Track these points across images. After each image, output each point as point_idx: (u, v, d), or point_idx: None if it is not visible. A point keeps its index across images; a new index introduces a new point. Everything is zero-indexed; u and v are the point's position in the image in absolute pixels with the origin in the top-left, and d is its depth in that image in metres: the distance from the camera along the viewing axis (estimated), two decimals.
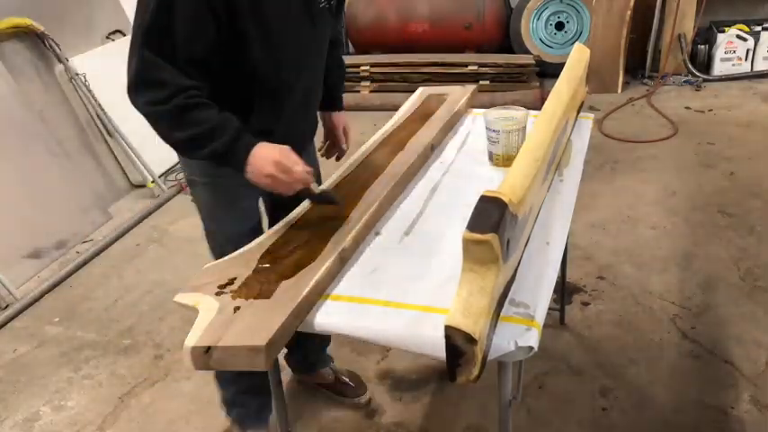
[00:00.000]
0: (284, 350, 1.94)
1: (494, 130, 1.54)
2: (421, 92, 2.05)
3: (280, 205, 1.47)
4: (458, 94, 1.98)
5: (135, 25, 1.20)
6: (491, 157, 1.59)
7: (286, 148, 1.24)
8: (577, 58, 1.65)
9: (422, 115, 1.85)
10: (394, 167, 1.53)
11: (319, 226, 1.32)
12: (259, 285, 1.14)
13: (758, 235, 2.62)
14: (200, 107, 1.21)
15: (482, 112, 1.93)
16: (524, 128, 1.55)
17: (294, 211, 1.40)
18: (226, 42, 1.23)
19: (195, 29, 1.18)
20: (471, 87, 2.02)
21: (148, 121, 1.22)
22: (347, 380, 2.01)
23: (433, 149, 1.70)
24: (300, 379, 2.07)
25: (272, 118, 1.42)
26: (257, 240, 1.30)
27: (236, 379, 1.76)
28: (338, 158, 1.81)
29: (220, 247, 1.54)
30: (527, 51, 4.73)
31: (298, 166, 1.24)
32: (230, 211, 1.54)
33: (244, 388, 1.78)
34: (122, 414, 2.05)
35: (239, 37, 1.23)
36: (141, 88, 1.20)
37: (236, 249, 1.29)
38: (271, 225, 1.60)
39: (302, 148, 1.53)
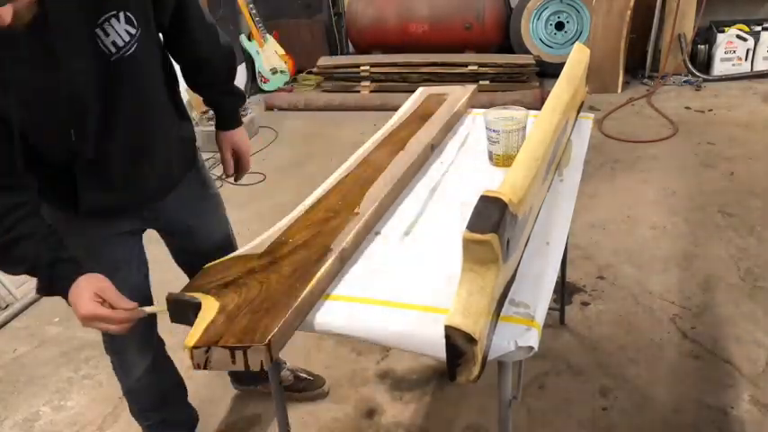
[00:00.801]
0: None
1: (494, 130, 1.54)
2: (421, 92, 2.05)
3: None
4: (458, 93, 1.97)
5: None
6: (491, 156, 1.59)
7: (88, 309, 1.12)
8: (577, 58, 1.65)
9: (422, 115, 1.85)
10: (394, 167, 1.53)
11: (319, 226, 1.32)
12: (259, 285, 1.14)
13: (758, 235, 2.62)
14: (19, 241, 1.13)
15: (482, 112, 1.93)
16: (524, 128, 1.55)
17: (295, 210, 1.40)
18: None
19: None
20: (471, 87, 2.02)
21: None
22: (305, 375, 2.02)
23: (433, 149, 1.70)
24: (258, 390, 2.01)
25: (101, 188, 1.31)
26: (257, 240, 1.30)
27: (155, 412, 1.76)
28: (235, 180, 1.70)
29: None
30: (527, 51, 4.73)
31: (109, 323, 1.14)
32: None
33: (159, 420, 1.77)
34: (122, 414, 2.05)
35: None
36: None
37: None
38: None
39: (160, 198, 1.44)
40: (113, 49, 1.17)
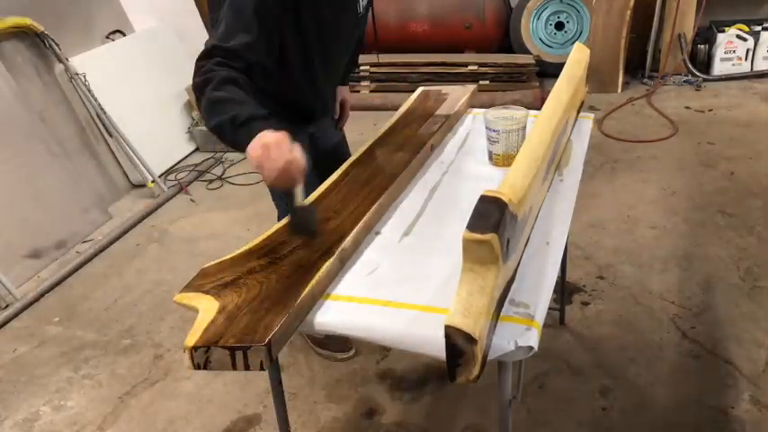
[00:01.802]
0: None
1: (494, 130, 1.54)
2: (421, 92, 2.05)
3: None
4: (458, 93, 1.98)
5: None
6: (491, 156, 1.59)
7: (283, 135, 1.23)
8: (577, 58, 1.65)
9: (422, 115, 1.85)
10: (394, 167, 1.53)
11: (319, 226, 1.32)
12: (259, 285, 1.14)
13: (758, 235, 2.62)
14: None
15: (482, 112, 1.93)
16: (524, 127, 1.55)
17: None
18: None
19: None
20: (471, 87, 2.02)
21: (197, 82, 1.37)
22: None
23: (432, 149, 1.70)
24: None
25: (315, 105, 1.80)
26: (257, 240, 1.30)
27: None
28: (336, 126, 2.11)
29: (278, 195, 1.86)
30: (527, 51, 4.73)
31: (286, 154, 1.21)
32: None
33: None
34: (122, 414, 2.05)
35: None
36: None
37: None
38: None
39: (326, 112, 1.94)
40: (361, 9, 1.68)
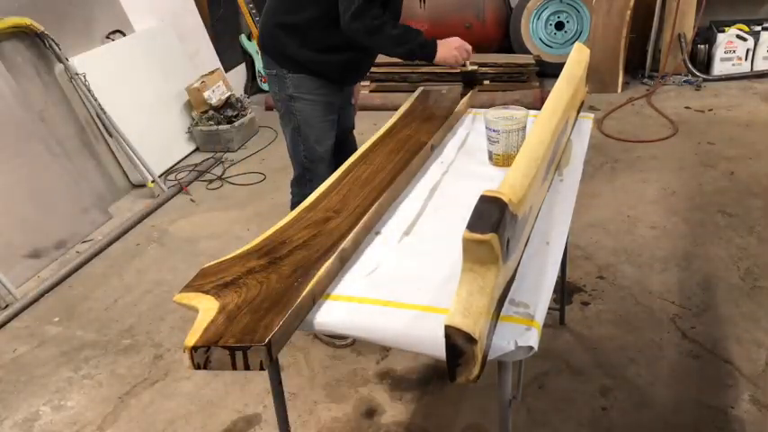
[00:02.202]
0: None
1: (494, 130, 1.54)
2: (421, 91, 2.05)
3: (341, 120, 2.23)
4: (458, 93, 1.98)
5: None
6: (491, 156, 1.59)
7: (458, 39, 1.96)
8: (577, 58, 1.65)
9: (422, 115, 1.85)
10: (394, 167, 1.53)
11: (319, 226, 1.32)
12: (259, 285, 1.14)
13: (758, 235, 2.62)
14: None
15: (482, 112, 1.93)
16: (524, 127, 1.55)
17: (295, 210, 1.40)
18: None
19: None
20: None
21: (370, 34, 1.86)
22: None
23: (432, 149, 1.70)
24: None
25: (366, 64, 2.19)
26: (257, 240, 1.30)
27: None
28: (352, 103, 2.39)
29: (308, 147, 2.11)
30: (527, 51, 4.73)
31: (466, 47, 1.96)
32: (325, 120, 2.10)
33: None
34: (122, 414, 2.05)
35: None
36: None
37: (322, 147, 2.10)
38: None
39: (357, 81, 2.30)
40: None
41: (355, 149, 2.27)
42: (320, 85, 2.03)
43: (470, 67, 2.01)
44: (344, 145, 2.31)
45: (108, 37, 3.77)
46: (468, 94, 1.98)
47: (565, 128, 1.51)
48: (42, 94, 3.29)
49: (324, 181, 1.92)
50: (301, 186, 2.20)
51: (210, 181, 3.72)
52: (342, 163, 2.05)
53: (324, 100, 2.06)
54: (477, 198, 0.95)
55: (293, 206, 2.20)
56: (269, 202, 3.35)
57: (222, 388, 2.10)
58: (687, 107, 4.05)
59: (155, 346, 2.34)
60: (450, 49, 1.91)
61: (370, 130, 1.99)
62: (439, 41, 1.91)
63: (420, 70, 4.57)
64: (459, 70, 2.04)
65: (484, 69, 4.48)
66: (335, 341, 2.20)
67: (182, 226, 3.23)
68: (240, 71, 5.03)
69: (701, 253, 2.54)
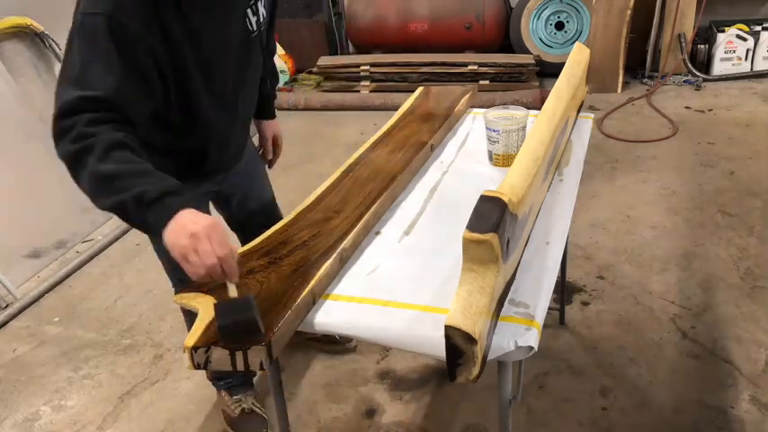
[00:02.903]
0: None
1: (494, 130, 1.54)
2: (421, 91, 2.04)
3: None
4: (458, 93, 1.98)
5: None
6: (491, 156, 1.59)
7: (214, 221, 1.04)
8: (577, 58, 1.65)
9: (422, 115, 1.85)
10: (394, 167, 1.53)
11: (319, 226, 1.32)
12: (259, 285, 1.14)
13: (758, 235, 2.62)
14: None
15: (482, 112, 1.93)
16: (524, 127, 1.55)
17: (294, 210, 1.40)
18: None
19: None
20: (471, 87, 2.02)
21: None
22: None
23: (432, 149, 1.70)
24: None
25: (219, 150, 1.49)
26: (257, 240, 1.30)
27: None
28: (269, 166, 1.89)
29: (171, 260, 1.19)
30: (527, 51, 4.73)
31: (218, 249, 1.00)
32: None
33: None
34: (122, 414, 2.05)
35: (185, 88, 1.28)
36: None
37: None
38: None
39: (236, 162, 1.63)
40: (254, 27, 1.40)
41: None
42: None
43: (230, 292, 1.05)
44: (255, 225, 1.55)
45: None
46: (469, 94, 1.97)
47: (565, 128, 1.51)
48: (42, 94, 3.28)
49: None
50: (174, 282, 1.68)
51: None
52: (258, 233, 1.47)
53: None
54: (478, 198, 0.96)
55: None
56: None
57: None
58: (687, 107, 4.05)
59: (155, 346, 2.34)
60: (181, 234, 1.01)
61: (370, 130, 1.99)
62: (177, 217, 1.03)
63: (420, 70, 4.57)
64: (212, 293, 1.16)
65: (484, 69, 4.49)
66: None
67: None
68: None
69: (700, 253, 2.54)
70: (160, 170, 1.14)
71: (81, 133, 1.07)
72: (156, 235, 1.04)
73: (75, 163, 1.09)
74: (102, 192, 1.07)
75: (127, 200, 1.04)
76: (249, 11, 1.37)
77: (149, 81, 1.19)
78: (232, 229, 1.77)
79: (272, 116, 1.84)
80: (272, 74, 1.79)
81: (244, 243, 1.39)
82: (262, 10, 1.42)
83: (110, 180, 1.05)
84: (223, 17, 1.30)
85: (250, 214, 1.75)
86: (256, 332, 0.98)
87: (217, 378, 1.94)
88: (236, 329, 0.97)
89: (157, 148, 1.29)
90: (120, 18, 1.11)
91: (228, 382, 1.93)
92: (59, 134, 1.11)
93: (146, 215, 1.04)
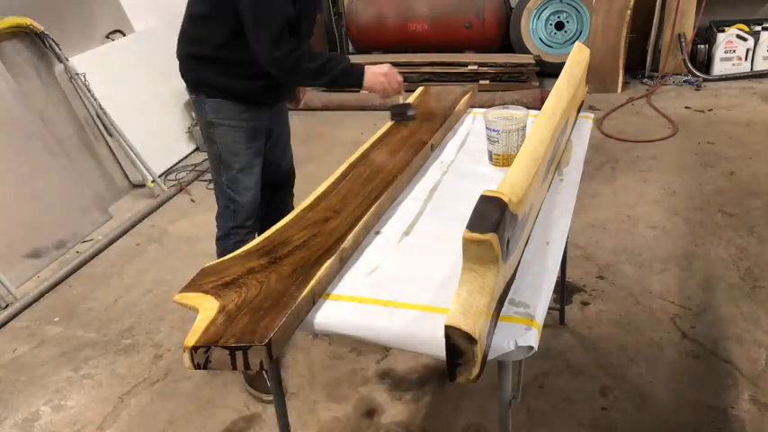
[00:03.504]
0: None
1: (494, 130, 1.54)
2: (421, 91, 2.05)
3: (270, 148, 2.06)
4: (458, 93, 1.98)
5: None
6: (491, 156, 1.59)
7: (388, 66, 1.82)
8: (577, 58, 1.65)
9: (422, 114, 1.85)
10: (394, 167, 1.53)
11: (319, 226, 1.32)
12: (259, 285, 1.14)
13: (758, 235, 2.62)
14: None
15: (482, 112, 1.93)
16: (524, 127, 1.55)
17: (294, 210, 1.40)
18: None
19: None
20: (471, 87, 2.02)
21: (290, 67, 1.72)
22: None
23: (432, 149, 1.70)
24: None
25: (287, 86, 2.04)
26: (257, 239, 1.30)
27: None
28: (296, 106, 2.26)
29: (231, 177, 1.95)
30: (527, 51, 4.73)
31: (397, 78, 1.83)
32: (249, 147, 1.93)
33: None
34: (122, 414, 2.05)
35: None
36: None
37: (247, 177, 1.93)
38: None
39: (286, 97, 2.11)
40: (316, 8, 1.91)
41: (290, 186, 2.27)
42: (241, 109, 1.88)
43: (400, 100, 1.84)
44: (280, 177, 2.19)
45: (108, 37, 3.77)
46: (469, 93, 1.97)
47: (565, 128, 1.51)
48: (42, 94, 3.28)
49: (250, 214, 1.93)
50: (226, 220, 2.03)
51: (210, 181, 3.72)
52: (277, 195, 2.11)
53: (247, 125, 1.91)
54: (477, 198, 0.95)
55: (218, 240, 2.08)
56: None
57: (222, 388, 2.10)
58: (687, 107, 4.05)
59: (155, 346, 2.34)
60: (378, 75, 1.78)
61: (370, 129, 1.99)
62: (367, 68, 1.78)
63: (420, 70, 4.57)
64: (388, 103, 1.88)
65: (484, 69, 4.49)
66: (263, 396, 2.02)
67: (182, 226, 3.23)
68: None
69: (701, 253, 2.54)
70: (244, 93, 1.86)
71: (292, 48, 1.68)
72: (357, 85, 1.79)
73: (292, 68, 1.70)
74: (321, 74, 1.74)
75: (337, 73, 1.75)
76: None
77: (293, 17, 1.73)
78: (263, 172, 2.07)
79: None
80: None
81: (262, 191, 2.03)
82: None
83: (322, 68, 1.73)
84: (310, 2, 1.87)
85: (276, 155, 2.11)
86: (412, 117, 1.81)
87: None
88: (400, 117, 1.81)
89: (246, 73, 1.81)
90: None
91: (250, 374, 2.05)
92: (281, 57, 1.68)
93: (350, 78, 1.78)
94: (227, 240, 2.04)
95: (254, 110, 1.90)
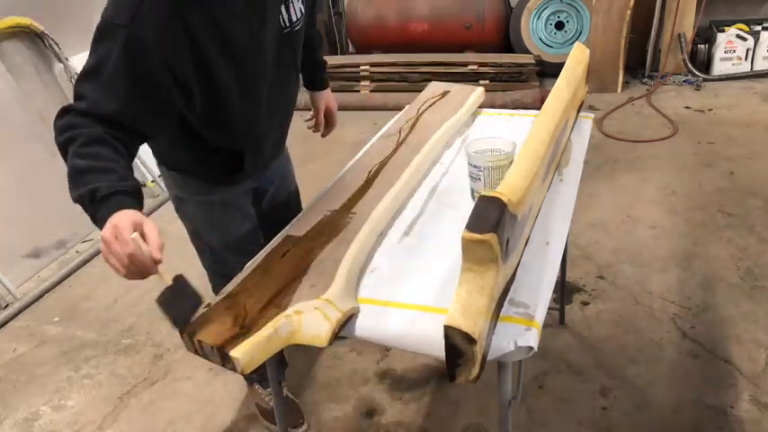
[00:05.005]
0: None
1: (475, 166, 1.34)
2: (427, 89, 2.01)
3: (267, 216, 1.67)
4: (465, 93, 1.93)
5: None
6: (473, 194, 1.41)
7: (137, 217, 1.04)
8: (577, 58, 1.65)
9: (426, 114, 1.83)
10: (395, 167, 1.52)
11: (319, 226, 1.31)
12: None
13: (758, 235, 2.62)
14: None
15: (485, 111, 1.93)
16: (512, 162, 1.38)
17: (298, 214, 1.39)
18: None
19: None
20: (479, 89, 1.95)
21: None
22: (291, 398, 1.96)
23: (436, 149, 1.68)
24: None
25: (256, 153, 1.48)
26: (262, 251, 1.29)
27: None
28: (323, 135, 1.88)
29: (219, 256, 1.61)
30: (527, 51, 4.73)
31: (127, 246, 0.99)
32: (232, 221, 1.59)
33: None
34: (122, 414, 2.05)
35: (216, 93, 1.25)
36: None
37: (237, 254, 1.45)
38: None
39: (275, 159, 1.65)
40: (286, 23, 1.34)
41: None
42: (208, 187, 1.52)
43: (166, 280, 1.12)
44: (279, 219, 1.49)
45: None
46: (475, 98, 1.90)
47: (565, 128, 1.51)
48: (42, 94, 3.28)
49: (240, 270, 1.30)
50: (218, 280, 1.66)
51: None
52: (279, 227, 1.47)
53: (221, 200, 1.55)
54: (477, 198, 0.95)
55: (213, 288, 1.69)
56: None
57: (222, 388, 2.10)
58: (687, 107, 4.05)
59: (155, 346, 2.34)
60: (108, 230, 1.00)
61: (370, 129, 1.99)
62: (114, 217, 1.02)
63: (420, 70, 4.57)
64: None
65: (484, 69, 4.48)
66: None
67: (181, 226, 3.22)
68: None
69: (701, 253, 2.54)
70: (202, 171, 1.41)
71: (68, 124, 1.10)
72: (98, 225, 1.05)
73: (63, 155, 1.11)
74: (71, 184, 1.08)
75: (84, 194, 1.05)
76: (282, 7, 1.31)
77: (160, 99, 1.15)
78: (259, 222, 1.70)
79: (324, 86, 1.79)
80: (319, 41, 1.74)
81: (266, 236, 1.54)
82: (299, 5, 1.36)
83: (78, 174, 1.07)
84: (253, 15, 1.23)
85: (277, 207, 1.74)
86: (199, 303, 1.09)
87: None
88: (185, 315, 1.06)
89: (194, 151, 1.38)
90: (137, 32, 1.08)
91: (261, 374, 1.86)
92: (54, 124, 1.13)
93: (96, 211, 1.05)
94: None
95: (224, 185, 1.52)
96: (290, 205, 1.77)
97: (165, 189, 3.55)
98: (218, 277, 1.65)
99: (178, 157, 1.45)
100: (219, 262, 1.62)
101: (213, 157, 1.41)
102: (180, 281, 1.08)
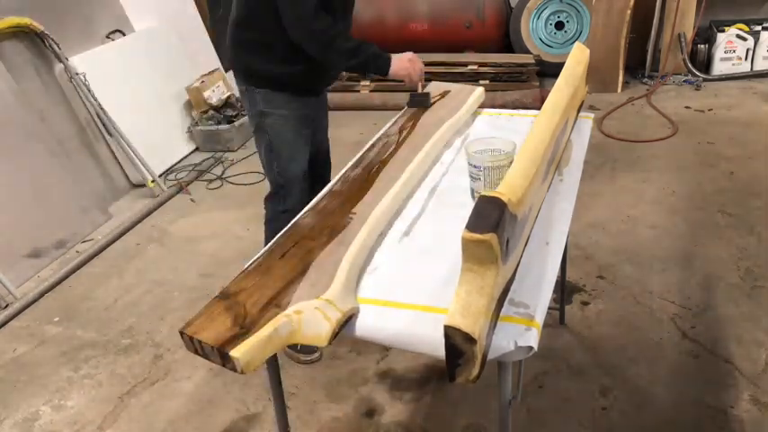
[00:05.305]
0: None
1: (475, 166, 1.36)
2: (433, 87, 2.02)
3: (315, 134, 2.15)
4: (465, 93, 1.94)
5: None
6: (473, 194, 1.41)
7: (412, 53, 1.92)
8: (577, 58, 1.65)
9: (426, 114, 1.83)
10: (395, 167, 1.52)
11: (319, 225, 1.32)
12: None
13: (758, 235, 2.62)
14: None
15: (485, 111, 1.93)
16: (512, 162, 1.40)
17: (299, 215, 1.40)
18: None
19: None
20: (479, 90, 1.96)
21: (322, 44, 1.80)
22: None
23: (437, 148, 1.68)
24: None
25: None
26: (259, 253, 1.29)
27: None
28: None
29: (282, 165, 2.03)
30: (527, 51, 4.73)
31: (420, 65, 1.93)
32: (298, 135, 2.03)
33: None
34: (122, 414, 2.05)
35: None
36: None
37: (296, 164, 2.01)
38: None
39: (329, 83, 2.15)
40: None
41: (327, 176, 2.28)
42: (289, 99, 1.96)
43: (419, 89, 1.91)
44: (318, 166, 2.21)
45: (108, 37, 3.77)
46: (476, 98, 1.92)
47: (565, 128, 1.51)
48: (42, 94, 3.28)
49: (299, 199, 1.95)
50: (275, 204, 2.11)
51: (210, 181, 3.72)
52: (316, 184, 2.08)
53: (295, 114, 1.99)
54: (477, 198, 0.95)
55: (267, 223, 2.15)
56: None
57: (222, 388, 2.10)
58: (687, 107, 4.05)
59: (155, 346, 2.34)
60: (404, 61, 1.86)
61: (370, 129, 1.99)
62: (393, 55, 1.85)
63: None
64: (410, 89, 1.93)
65: (484, 69, 4.48)
66: (300, 356, 2.16)
67: (182, 226, 3.23)
68: None
69: (701, 253, 2.54)
70: (293, 82, 1.94)
71: (328, 25, 1.77)
72: (385, 71, 1.86)
73: (326, 45, 1.79)
74: (353, 56, 1.82)
75: (369, 56, 1.84)
76: None
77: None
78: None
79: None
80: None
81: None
82: None
83: (355, 49, 1.81)
84: None
85: (314, 144, 2.14)
86: (428, 105, 1.90)
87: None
88: (422, 101, 1.90)
89: (296, 65, 1.89)
90: None
91: (298, 349, 2.17)
92: (305, 30, 1.76)
93: (379, 62, 1.85)
94: (277, 223, 2.01)
95: (300, 99, 1.98)
96: (323, 151, 2.27)
97: (165, 189, 3.56)
98: (276, 185, 2.08)
99: (276, 66, 1.89)
100: (283, 168, 2.03)
101: (305, 69, 1.90)
102: (426, 93, 1.92)
